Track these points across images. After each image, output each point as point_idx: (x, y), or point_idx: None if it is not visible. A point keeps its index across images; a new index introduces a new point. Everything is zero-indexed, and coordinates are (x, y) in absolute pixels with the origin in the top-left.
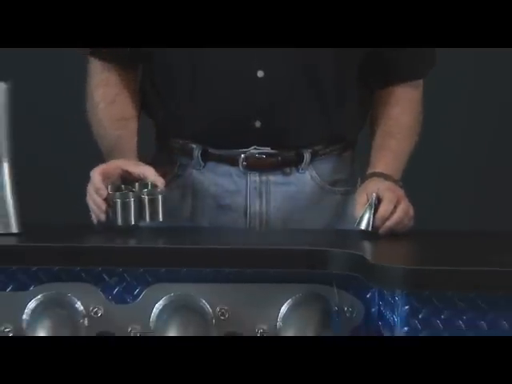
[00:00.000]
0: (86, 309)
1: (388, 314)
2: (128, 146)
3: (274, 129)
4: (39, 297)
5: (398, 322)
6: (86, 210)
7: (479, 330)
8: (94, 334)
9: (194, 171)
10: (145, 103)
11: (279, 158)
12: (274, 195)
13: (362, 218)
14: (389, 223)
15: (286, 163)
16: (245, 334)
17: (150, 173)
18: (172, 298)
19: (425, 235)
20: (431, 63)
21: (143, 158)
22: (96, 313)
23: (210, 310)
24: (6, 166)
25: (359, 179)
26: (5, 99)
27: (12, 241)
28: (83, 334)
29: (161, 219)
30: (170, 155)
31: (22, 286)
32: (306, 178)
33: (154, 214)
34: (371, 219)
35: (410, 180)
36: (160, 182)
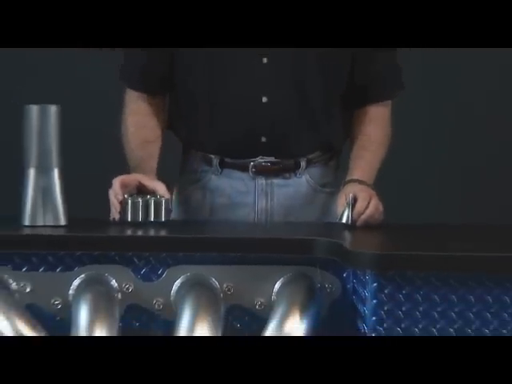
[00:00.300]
0: (120, 285)
1: (360, 290)
2: (148, 165)
3: (277, 142)
4: (82, 276)
5: (369, 296)
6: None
7: (432, 303)
8: (125, 307)
9: (213, 176)
10: (170, 123)
11: (281, 166)
12: (276, 195)
13: (342, 214)
14: (363, 217)
15: (286, 169)
16: (246, 306)
17: (160, 187)
18: (188, 276)
19: (393, 227)
20: (399, 86)
21: (165, 180)
22: (127, 289)
23: (218, 286)
24: (56, 172)
25: (343, 182)
26: (56, 119)
27: (60, 231)
28: (117, 305)
29: (163, 219)
30: (193, 163)
31: (68, 268)
32: (302, 181)
33: (157, 214)
34: (350, 215)
35: (384, 180)
36: (167, 196)
